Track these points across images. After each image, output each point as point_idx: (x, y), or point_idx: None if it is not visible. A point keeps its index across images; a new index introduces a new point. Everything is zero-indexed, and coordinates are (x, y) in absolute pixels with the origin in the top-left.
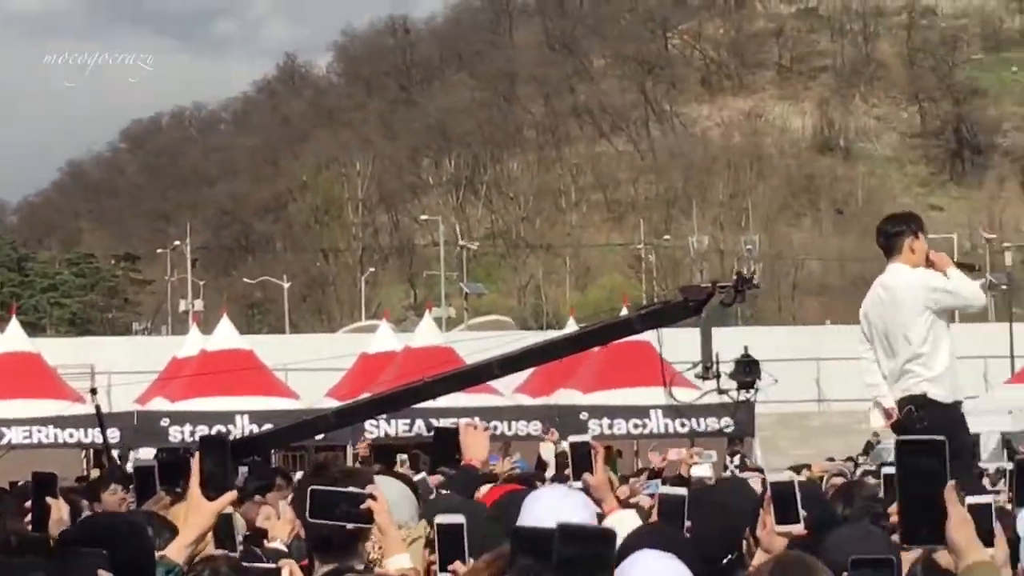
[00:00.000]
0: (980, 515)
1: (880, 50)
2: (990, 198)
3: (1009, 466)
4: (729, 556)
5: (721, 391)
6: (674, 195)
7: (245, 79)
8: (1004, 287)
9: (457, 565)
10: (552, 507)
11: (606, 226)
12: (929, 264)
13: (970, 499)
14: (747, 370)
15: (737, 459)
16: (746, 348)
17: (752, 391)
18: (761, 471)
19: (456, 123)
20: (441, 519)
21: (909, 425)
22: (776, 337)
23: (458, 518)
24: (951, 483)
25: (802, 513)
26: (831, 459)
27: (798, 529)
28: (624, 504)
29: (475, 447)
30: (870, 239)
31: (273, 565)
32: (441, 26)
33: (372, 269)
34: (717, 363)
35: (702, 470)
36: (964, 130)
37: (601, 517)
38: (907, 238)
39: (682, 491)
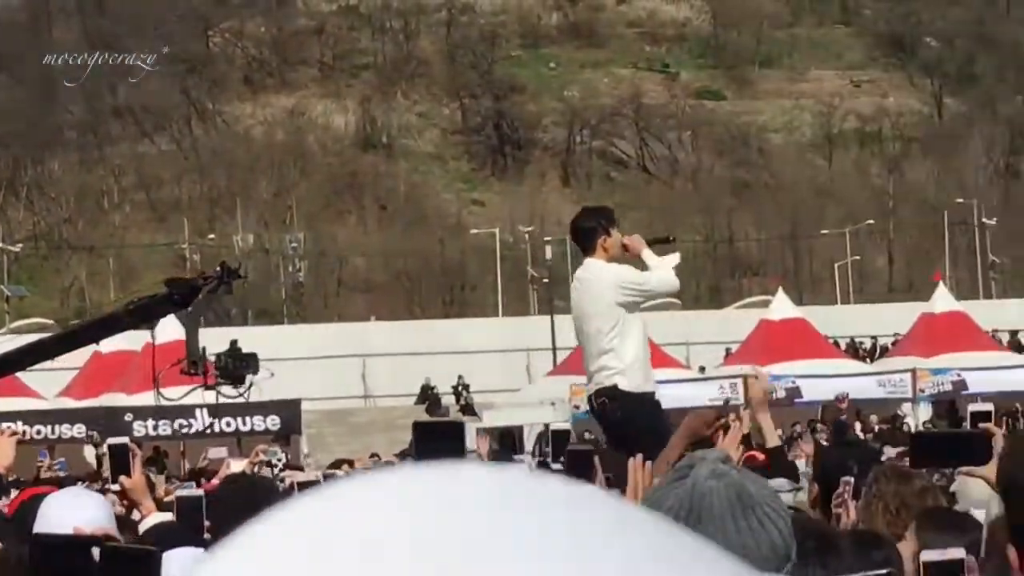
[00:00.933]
0: None
1: (421, 48)
2: (531, 193)
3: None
4: None
5: (208, 387)
6: (218, 194)
7: None
8: (546, 280)
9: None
10: (66, 510)
11: (150, 226)
12: (625, 250)
13: None
14: (240, 364)
15: (282, 456)
16: (234, 342)
17: (245, 387)
18: (302, 469)
19: None
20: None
21: (603, 416)
22: (321, 334)
23: (124, 439)
24: None
25: None
26: (375, 455)
27: None
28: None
29: None
30: (413, 234)
31: None
32: None
33: None
34: (203, 358)
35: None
36: (504, 126)
37: (137, 521)
38: (599, 237)
39: (199, 492)
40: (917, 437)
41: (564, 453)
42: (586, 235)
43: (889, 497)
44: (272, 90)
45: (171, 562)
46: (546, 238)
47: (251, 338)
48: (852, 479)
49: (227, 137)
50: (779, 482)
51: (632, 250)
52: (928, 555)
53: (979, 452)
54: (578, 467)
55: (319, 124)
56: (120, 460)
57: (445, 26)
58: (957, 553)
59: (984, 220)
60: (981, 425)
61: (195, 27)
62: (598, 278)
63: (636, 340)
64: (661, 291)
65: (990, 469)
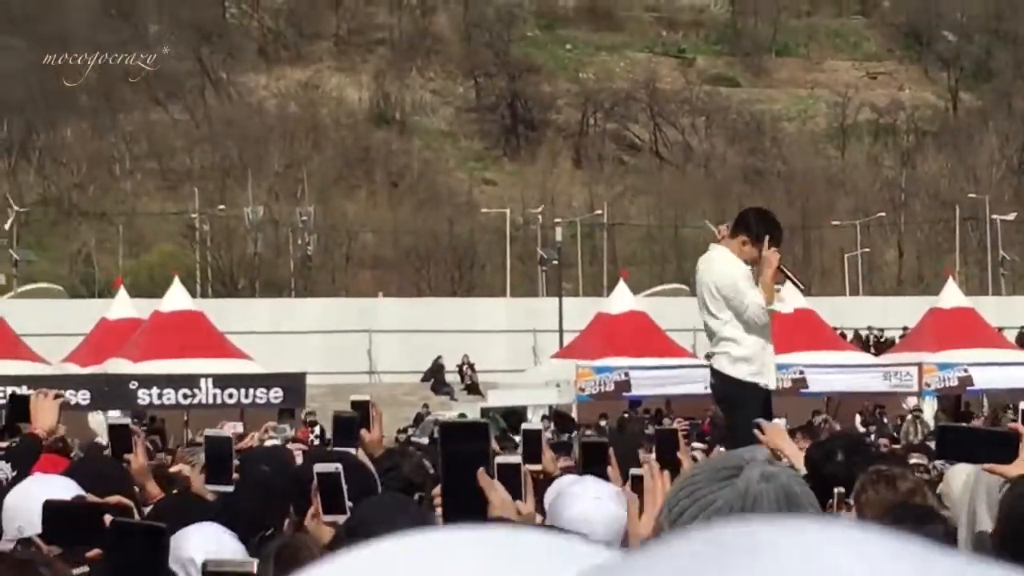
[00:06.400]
0: (510, 473)
1: (437, 24)
2: (543, 174)
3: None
4: (263, 532)
5: None
6: (229, 165)
7: None
8: (555, 262)
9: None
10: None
11: (160, 195)
12: (754, 263)
13: (499, 459)
14: None
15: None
16: None
17: None
18: (305, 443)
19: (8, 88)
20: (113, 421)
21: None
22: (328, 308)
23: (125, 419)
24: (481, 468)
25: (349, 504)
26: None
27: (344, 519)
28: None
29: (43, 416)
30: (424, 211)
31: None
32: None
33: None
34: None
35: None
36: (518, 106)
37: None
38: (742, 236)
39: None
40: (945, 430)
41: (577, 443)
42: (740, 226)
43: (878, 505)
44: (287, 62)
45: (189, 538)
46: (556, 220)
47: (258, 310)
48: (841, 489)
49: (240, 108)
50: None
51: (764, 265)
52: None
53: (1007, 451)
54: (592, 459)
55: (333, 98)
56: (120, 441)
57: (462, 4)
58: None
59: (995, 216)
60: (1010, 425)
61: None
62: (724, 267)
63: (753, 332)
64: (747, 315)
65: (1015, 467)
